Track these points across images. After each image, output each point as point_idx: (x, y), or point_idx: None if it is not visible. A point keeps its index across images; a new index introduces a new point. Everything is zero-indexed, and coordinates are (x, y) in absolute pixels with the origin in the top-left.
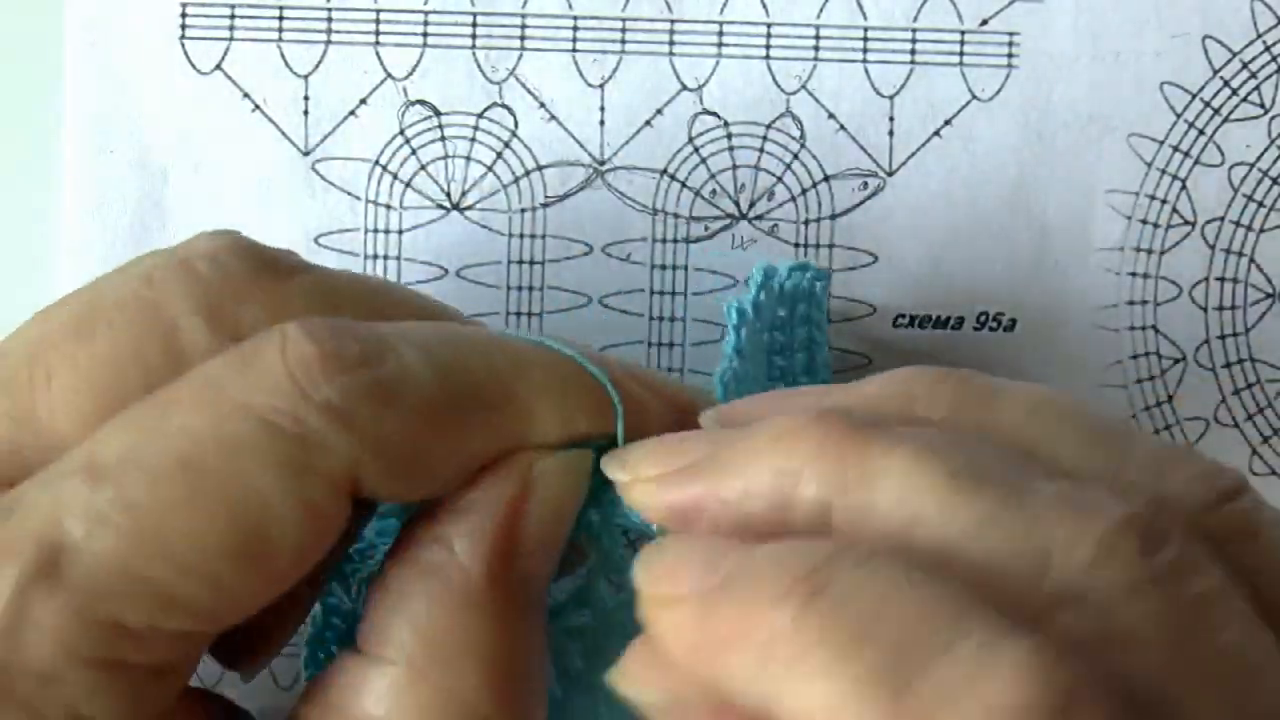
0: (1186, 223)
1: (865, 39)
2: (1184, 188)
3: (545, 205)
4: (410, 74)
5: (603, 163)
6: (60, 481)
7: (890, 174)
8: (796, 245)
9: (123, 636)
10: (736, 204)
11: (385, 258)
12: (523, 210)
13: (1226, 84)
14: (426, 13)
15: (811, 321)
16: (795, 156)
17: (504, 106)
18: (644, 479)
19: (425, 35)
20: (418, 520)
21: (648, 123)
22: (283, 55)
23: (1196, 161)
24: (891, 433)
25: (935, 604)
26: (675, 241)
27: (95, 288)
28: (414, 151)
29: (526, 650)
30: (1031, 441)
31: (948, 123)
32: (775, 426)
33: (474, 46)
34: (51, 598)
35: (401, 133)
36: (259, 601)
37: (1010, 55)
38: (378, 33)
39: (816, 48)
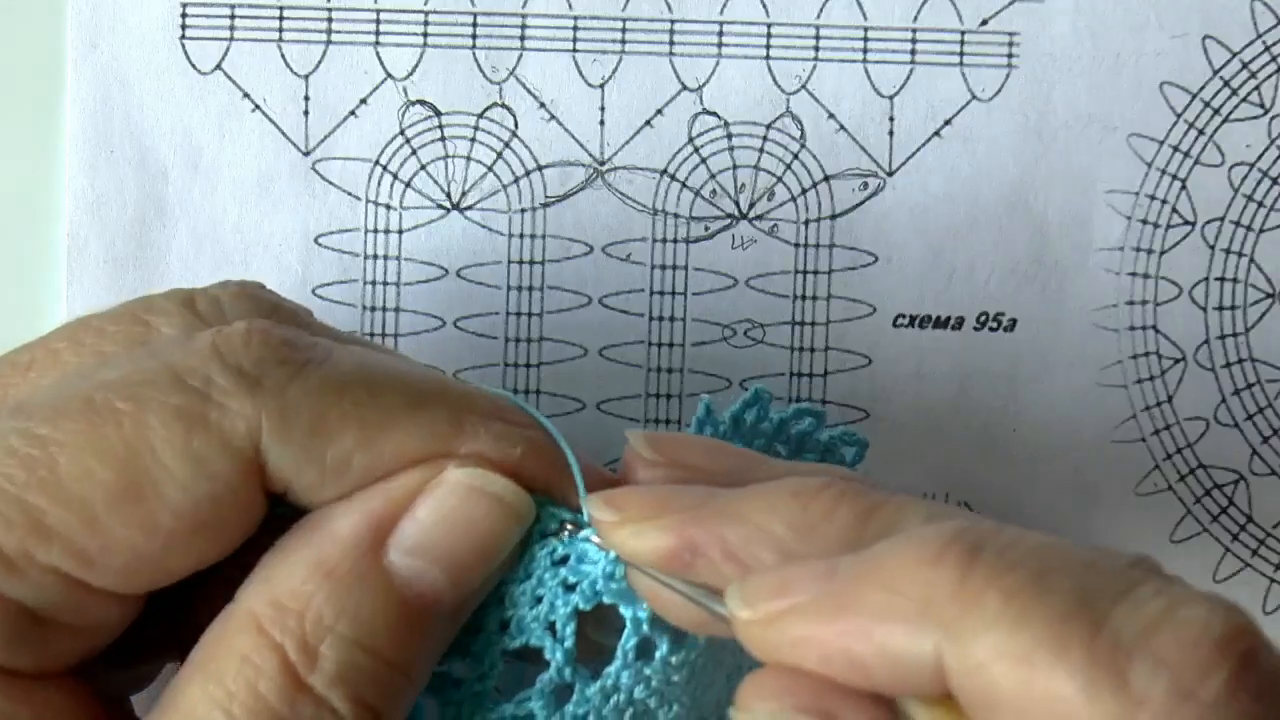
0: (1186, 223)
1: (865, 39)
2: (1184, 188)
3: (545, 205)
4: (410, 74)
5: (603, 163)
6: None
7: (890, 174)
8: (796, 245)
9: None
10: (736, 204)
11: (385, 258)
12: (523, 210)
13: (1226, 84)
14: (426, 13)
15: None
16: (795, 156)
17: (504, 106)
18: (634, 520)
19: (425, 35)
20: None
21: (648, 123)
22: (283, 55)
23: (1196, 161)
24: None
25: (1093, 553)
26: (675, 241)
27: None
28: (414, 151)
29: (392, 648)
30: None
31: (948, 123)
32: (791, 485)
33: (474, 46)
34: None
35: (401, 133)
36: (147, 565)
37: (1010, 55)
38: (378, 33)
39: (816, 48)
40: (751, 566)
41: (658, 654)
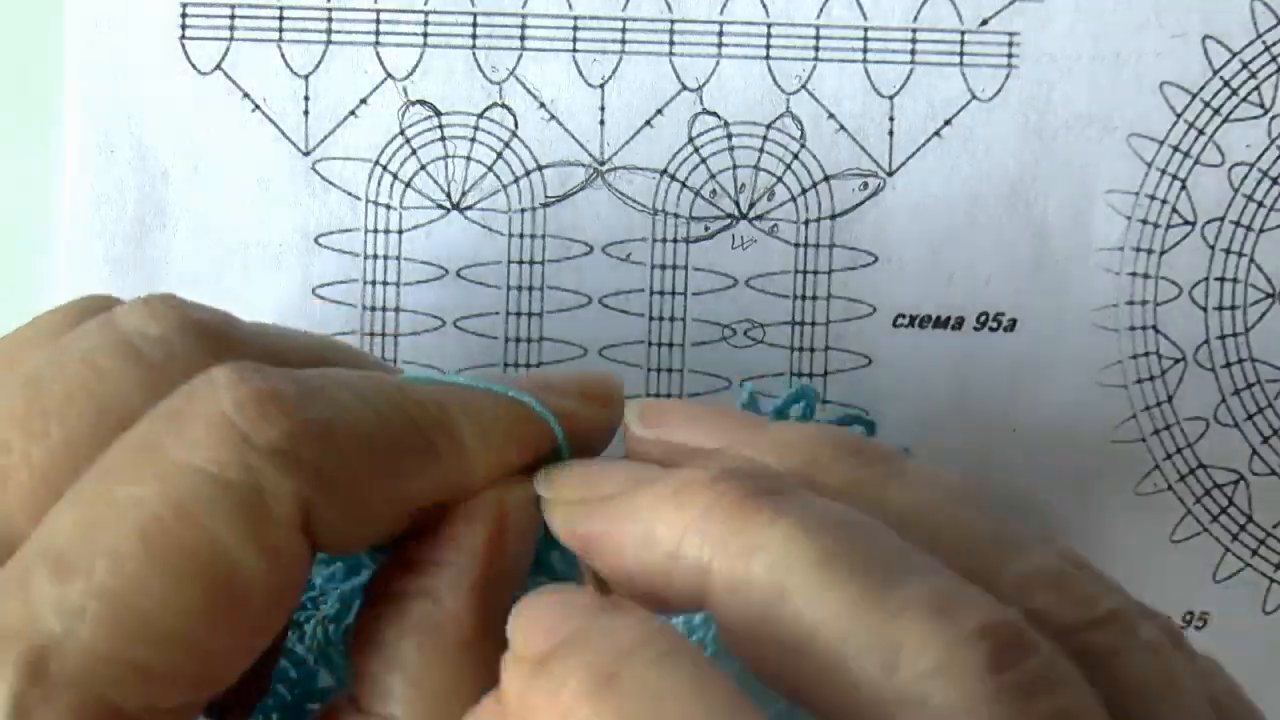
0: (1186, 223)
1: (865, 39)
2: (1184, 188)
3: (545, 205)
4: (410, 74)
5: (603, 163)
6: (28, 579)
7: (890, 174)
8: (796, 245)
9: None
10: (736, 204)
11: (385, 258)
12: (523, 210)
13: (1226, 84)
14: (426, 13)
15: None
16: (795, 156)
17: (504, 106)
18: (563, 501)
19: (425, 35)
20: (393, 572)
21: (648, 123)
22: (283, 55)
23: (1196, 161)
24: (780, 502)
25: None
26: (675, 241)
27: (34, 372)
28: (414, 151)
29: None
30: (922, 530)
31: (948, 123)
32: (677, 480)
33: (474, 46)
34: (48, 702)
35: (401, 133)
36: (245, 658)
37: (1010, 55)
38: (378, 33)
39: (816, 48)
40: (646, 569)
41: None
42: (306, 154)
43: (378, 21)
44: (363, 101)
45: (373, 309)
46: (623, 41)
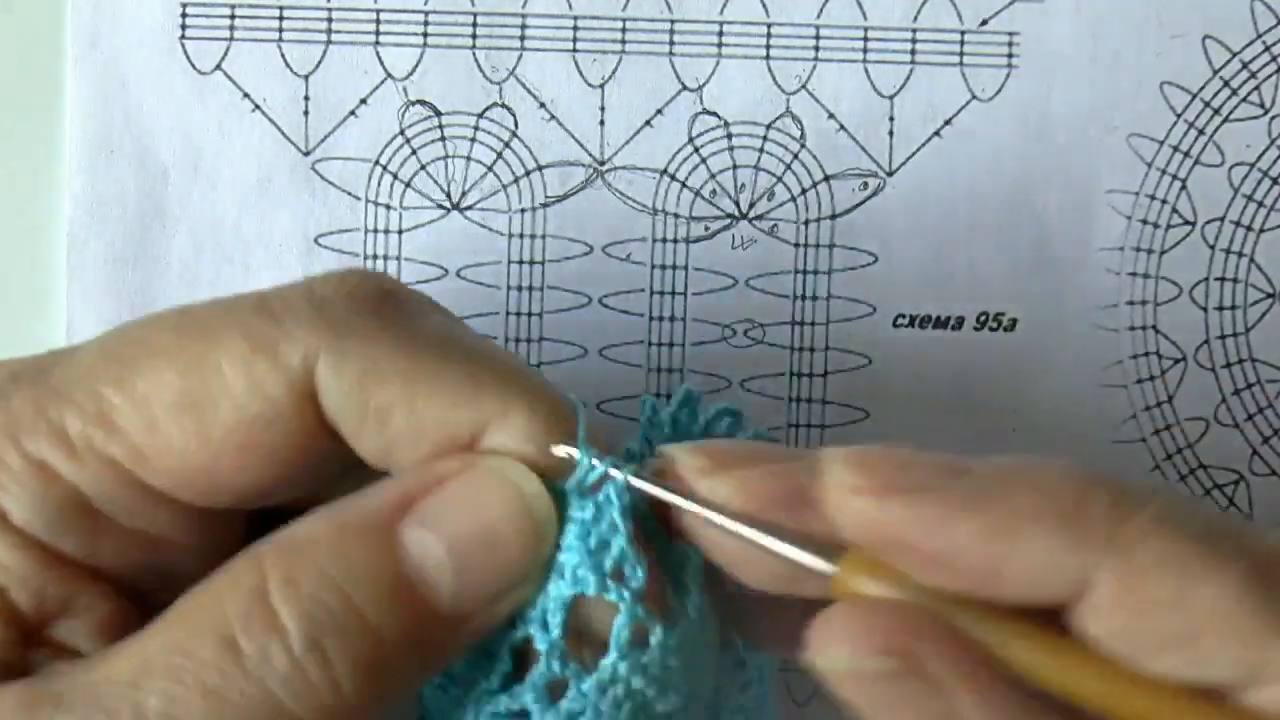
0: (1186, 223)
1: (865, 39)
2: (1184, 188)
3: (545, 205)
4: (410, 74)
5: (603, 163)
6: None
7: (890, 174)
8: (796, 245)
9: None
10: (736, 204)
11: (385, 258)
12: (523, 210)
13: (1226, 84)
14: (426, 13)
15: None
16: (795, 156)
17: (504, 106)
18: (724, 468)
19: (425, 35)
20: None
21: (648, 123)
22: (283, 55)
23: (1196, 161)
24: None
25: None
26: (675, 241)
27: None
28: (414, 151)
29: (375, 610)
30: None
31: (948, 123)
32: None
33: (474, 46)
34: None
35: (401, 133)
36: (190, 468)
37: (1010, 55)
38: (378, 33)
39: (816, 48)
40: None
41: (653, 639)
42: (306, 154)
43: (378, 21)
44: (363, 101)
45: None
46: (623, 41)
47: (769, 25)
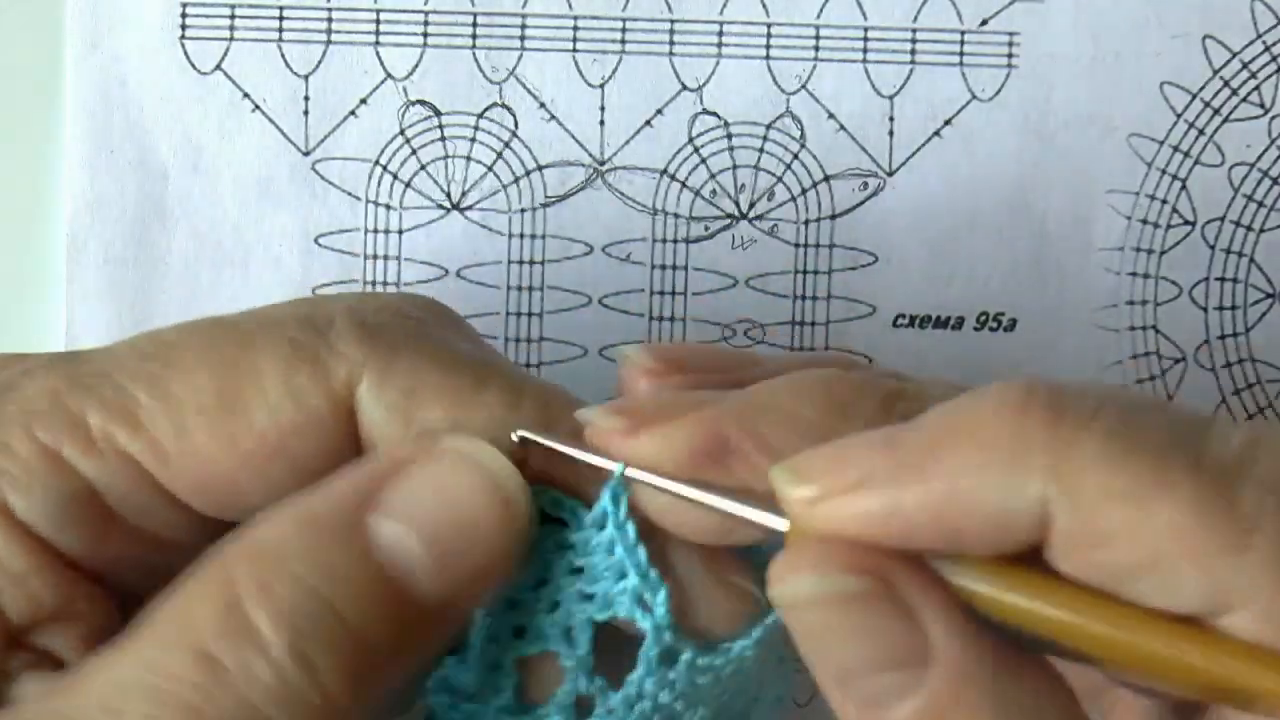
0: (1186, 223)
1: (865, 39)
2: (1184, 188)
3: (545, 205)
4: (410, 74)
5: (603, 163)
6: None
7: (890, 174)
8: (796, 245)
9: None
10: (736, 204)
11: (385, 258)
12: (523, 210)
13: (1226, 84)
14: (426, 13)
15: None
16: (795, 156)
17: (504, 106)
18: (649, 425)
19: (425, 35)
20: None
21: (648, 123)
22: (283, 55)
23: (1196, 161)
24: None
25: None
26: (675, 241)
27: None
28: (414, 151)
29: (354, 611)
30: None
31: (948, 123)
32: (814, 372)
33: (474, 46)
34: None
35: (401, 133)
36: (212, 475)
37: (1010, 55)
38: (378, 33)
39: (816, 48)
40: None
41: (682, 658)
42: (306, 154)
43: (378, 21)
44: (363, 101)
45: None
46: (623, 41)
47: (769, 25)
